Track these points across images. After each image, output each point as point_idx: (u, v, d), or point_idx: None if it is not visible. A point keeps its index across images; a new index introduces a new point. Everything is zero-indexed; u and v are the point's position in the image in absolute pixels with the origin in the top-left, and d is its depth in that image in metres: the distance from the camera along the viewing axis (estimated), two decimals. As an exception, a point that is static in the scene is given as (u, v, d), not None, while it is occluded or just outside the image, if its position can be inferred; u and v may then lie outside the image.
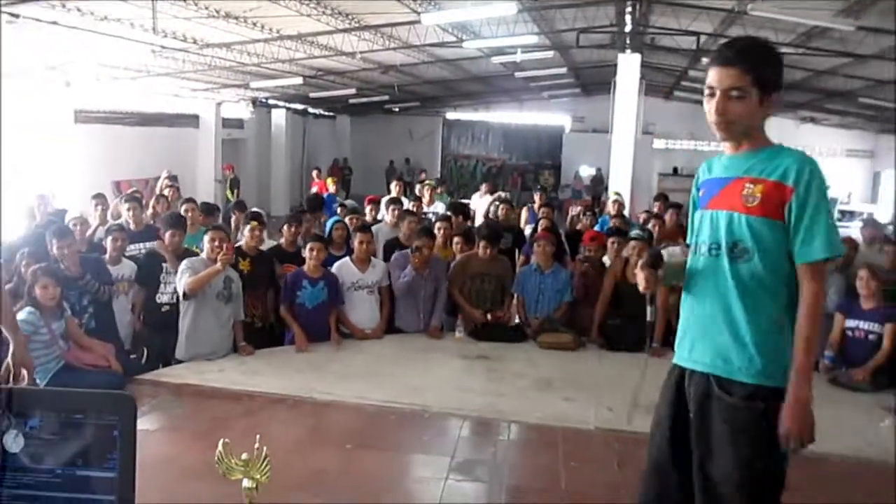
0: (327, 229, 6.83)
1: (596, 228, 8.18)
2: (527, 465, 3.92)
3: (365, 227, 6.25)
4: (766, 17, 9.49)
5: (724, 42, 2.31)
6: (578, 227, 8.33)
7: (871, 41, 9.91)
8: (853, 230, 16.50)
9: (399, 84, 17.57)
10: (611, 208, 8.79)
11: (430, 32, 11.78)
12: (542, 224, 7.55)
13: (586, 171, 24.45)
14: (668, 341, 5.88)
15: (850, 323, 5.52)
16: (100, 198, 7.12)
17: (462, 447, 3.99)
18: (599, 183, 22.35)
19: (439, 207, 9.47)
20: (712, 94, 2.16)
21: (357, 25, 10.83)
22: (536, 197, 9.47)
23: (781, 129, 24.30)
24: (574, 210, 9.59)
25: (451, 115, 25.30)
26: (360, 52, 12.00)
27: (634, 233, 6.26)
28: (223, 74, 14.09)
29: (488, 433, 4.21)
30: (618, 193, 9.61)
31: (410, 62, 14.79)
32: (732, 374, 2.18)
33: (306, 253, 5.72)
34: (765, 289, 2.17)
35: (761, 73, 2.14)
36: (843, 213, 21.79)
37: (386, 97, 19.86)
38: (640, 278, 2.42)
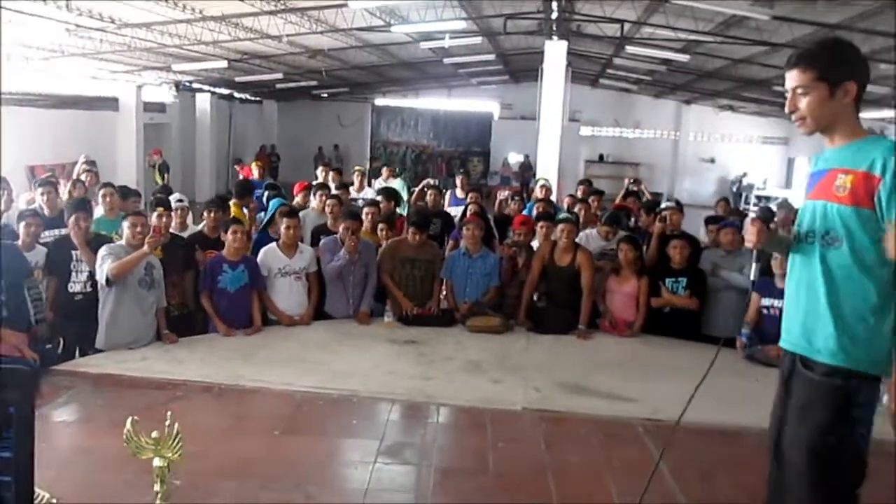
0: (269, 213, 6.76)
1: (524, 213, 8.29)
2: (455, 446, 3.93)
3: (292, 212, 6.15)
4: (686, 5, 9.74)
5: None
6: (507, 211, 8.41)
7: (786, 30, 10.26)
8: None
9: (327, 69, 17.35)
10: (538, 193, 8.88)
11: (358, 16, 11.64)
12: (470, 209, 7.58)
13: (514, 158, 24.69)
14: (594, 324, 6.08)
15: (766, 302, 5.71)
16: (2, 182, 6.79)
17: (390, 431, 3.98)
18: (528, 169, 22.60)
19: (369, 193, 9.43)
20: (792, 95, 2.36)
21: (283, 8, 10.62)
22: (458, 181, 9.47)
23: (702, 117, 25.14)
24: (502, 195, 9.65)
25: (380, 102, 25.07)
26: (287, 36, 11.79)
27: (563, 215, 6.35)
28: (144, 56, 13.62)
29: (417, 416, 4.20)
30: (545, 179, 9.70)
31: (338, 47, 14.61)
32: (813, 353, 2.32)
33: (226, 237, 5.61)
34: (852, 276, 2.27)
35: (823, 68, 2.28)
36: (759, 198, 22.65)
37: (314, 82, 19.59)
38: (750, 232, 2.55)
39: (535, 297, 6.27)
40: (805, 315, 2.35)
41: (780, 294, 5.60)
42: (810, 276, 2.36)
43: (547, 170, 12.38)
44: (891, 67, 11.42)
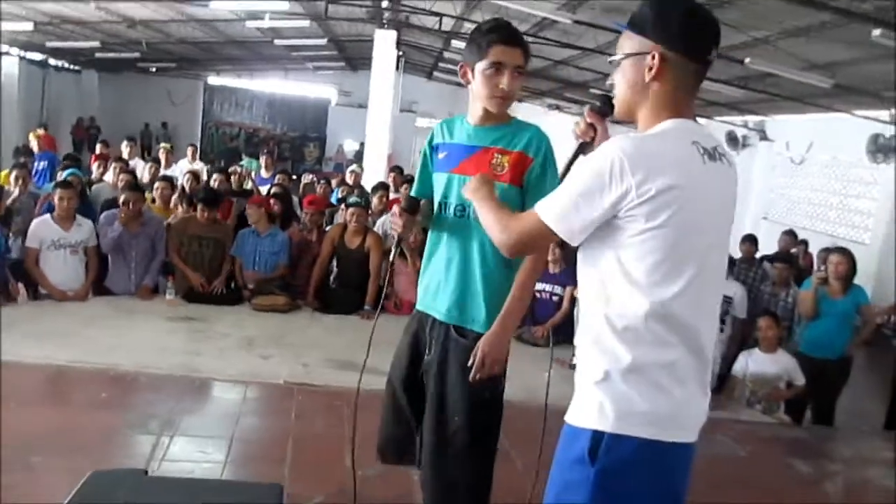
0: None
1: (332, 199, 8.39)
2: (204, 416, 3.98)
3: (66, 184, 5.91)
4: (500, 4, 10.15)
5: (501, 22, 2.40)
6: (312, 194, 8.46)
7: (591, 36, 10.93)
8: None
9: (149, 41, 16.54)
10: (348, 178, 8.99)
11: (174, -13, 11.24)
12: (274, 189, 7.59)
13: (350, 146, 24.66)
14: (381, 305, 6.25)
15: (538, 286, 6.14)
16: None
17: (140, 403, 3.97)
18: (363, 157, 22.64)
19: (175, 171, 9.19)
20: (499, 71, 2.28)
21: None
22: (263, 160, 9.44)
23: (531, 115, 26.00)
24: (306, 178, 9.69)
25: (213, 80, 24.29)
26: (94, 1, 11.15)
27: (352, 199, 6.48)
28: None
29: (172, 390, 4.17)
30: (357, 166, 9.84)
31: (157, 18, 13.99)
32: (466, 322, 2.41)
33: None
34: (498, 252, 2.30)
35: (527, 54, 2.34)
36: (579, 195, 23.89)
37: (137, 54, 18.60)
38: (396, 223, 2.52)
39: (330, 279, 6.39)
40: (459, 287, 2.43)
41: (550, 279, 6.06)
42: (462, 249, 2.42)
43: (376, 158, 12.50)
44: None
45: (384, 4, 12.89)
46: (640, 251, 1.56)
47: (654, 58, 1.62)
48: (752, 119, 15.92)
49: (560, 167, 2.00)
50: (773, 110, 14.65)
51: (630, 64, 1.67)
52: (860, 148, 11.88)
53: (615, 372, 1.58)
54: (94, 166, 8.18)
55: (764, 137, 15.70)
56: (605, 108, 1.90)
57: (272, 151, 10.28)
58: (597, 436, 1.57)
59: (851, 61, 9.39)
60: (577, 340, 1.69)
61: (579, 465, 1.57)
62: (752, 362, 5.00)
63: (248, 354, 4.87)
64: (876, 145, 11.55)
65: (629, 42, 1.68)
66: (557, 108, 24.87)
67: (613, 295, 1.60)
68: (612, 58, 1.73)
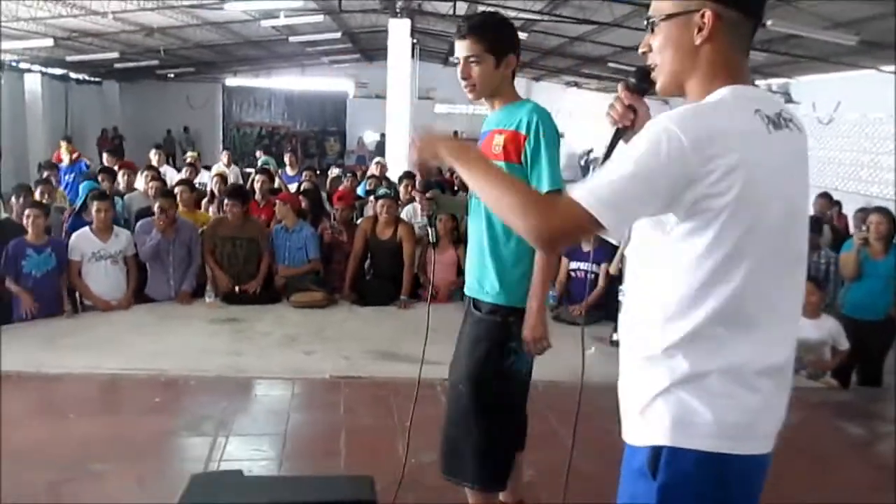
0: (80, 198, 6.56)
1: (360, 191, 8.43)
2: (254, 415, 4.04)
3: (103, 195, 6.00)
4: (514, -15, 10.10)
5: (461, 18, 2.63)
6: (340, 188, 8.50)
7: (608, 9, 10.83)
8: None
9: (166, 48, 16.66)
10: (374, 170, 9.01)
11: (189, -8, 11.31)
12: (303, 185, 7.66)
13: (371, 137, 24.68)
14: (417, 294, 6.30)
15: (573, 265, 6.13)
16: None
17: (192, 406, 4.04)
18: (384, 148, 22.67)
19: (204, 177, 9.29)
20: (460, 64, 2.50)
21: (104, -18, 10.17)
22: (287, 158, 9.45)
23: (550, 93, 25.93)
24: (333, 172, 9.73)
25: (230, 82, 24.41)
26: (112, 13, 11.26)
27: (381, 191, 6.50)
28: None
29: (221, 391, 4.24)
30: (381, 158, 9.87)
31: (174, 24, 14.10)
32: (482, 295, 2.56)
33: (25, 221, 5.43)
34: (505, 226, 2.42)
35: (492, 41, 2.48)
36: (603, 171, 23.71)
37: (155, 62, 18.75)
38: (423, 204, 2.77)
39: (365, 271, 6.44)
40: (476, 262, 2.60)
41: (586, 257, 6.04)
42: (477, 227, 2.59)
43: (398, 148, 12.52)
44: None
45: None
46: (701, 243, 1.35)
47: (704, 16, 1.41)
48: (775, 82, 15.68)
49: (604, 150, 1.81)
50: (797, 72, 14.43)
51: (674, 26, 1.45)
52: (889, 104, 11.65)
53: (673, 383, 1.40)
54: (120, 175, 8.27)
55: (789, 100, 15.43)
56: (642, 83, 1.65)
57: (295, 149, 10.27)
58: (655, 450, 1.42)
59: (877, 16, 9.20)
60: (621, 329, 1.56)
61: (643, 479, 1.44)
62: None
63: (291, 351, 4.93)
64: (906, 100, 11.33)
65: (669, 1, 1.46)
66: (576, 84, 24.71)
67: (668, 295, 1.41)
68: (651, 18, 1.49)
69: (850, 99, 13.33)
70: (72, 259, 5.67)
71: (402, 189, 7.29)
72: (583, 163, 25.04)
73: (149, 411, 3.97)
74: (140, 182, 8.08)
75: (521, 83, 27.45)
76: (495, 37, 2.50)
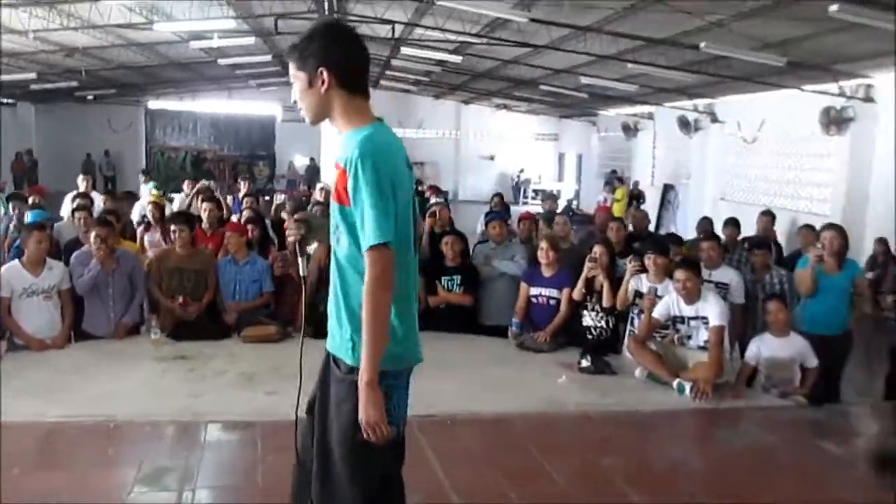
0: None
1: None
2: (222, 465, 3.75)
3: (40, 226, 5.60)
4: (453, 7, 10.06)
5: None
6: (283, 215, 8.21)
7: (545, 32, 10.92)
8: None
9: (88, 69, 16.03)
10: (318, 196, 8.77)
11: (116, 12, 10.85)
12: (245, 214, 7.35)
13: (301, 161, 24.31)
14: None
15: (533, 291, 6.01)
16: None
17: (151, 456, 3.72)
18: (315, 173, 22.32)
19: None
20: None
21: (26, 0, 9.65)
22: (242, 186, 9.14)
23: (480, 116, 26.20)
24: (278, 199, 9.45)
25: (153, 105, 23.67)
26: (34, 31, 10.71)
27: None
28: None
29: (182, 438, 3.95)
30: (325, 183, 9.63)
31: (98, 45, 13.54)
32: (338, 351, 2.25)
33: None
34: (354, 273, 2.19)
35: (298, 58, 2.22)
36: (536, 191, 24.06)
37: (74, 83, 18.01)
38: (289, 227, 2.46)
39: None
40: (334, 316, 2.29)
41: (547, 283, 5.95)
42: (332, 278, 2.30)
43: (331, 171, 12.26)
44: (636, 67, 12.57)
45: (334, 16, 12.69)
46: None
47: None
48: (700, 102, 16.14)
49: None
50: (722, 92, 14.89)
51: None
52: (812, 121, 12.09)
53: None
54: (31, 200, 7.76)
55: (715, 119, 15.92)
56: None
57: (250, 177, 9.67)
58: None
59: (803, 37, 9.54)
60: None
61: None
62: (764, 347, 4.96)
63: (250, 391, 4.64)
64: (828, 118, 11.76)
65: None
66: (506, 107, 24.96)
67: None
68: None
69: (773, 118, 13.78)
70: (1, 296, 5.25)
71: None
72: (514, 183, 25.28)
73: (102, 464, 3.64)
74: (66, 209, 7.66)
75: (450, 106, 27.84)
76: (300, 53, 2.22)
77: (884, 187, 10.74)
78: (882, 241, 9.40)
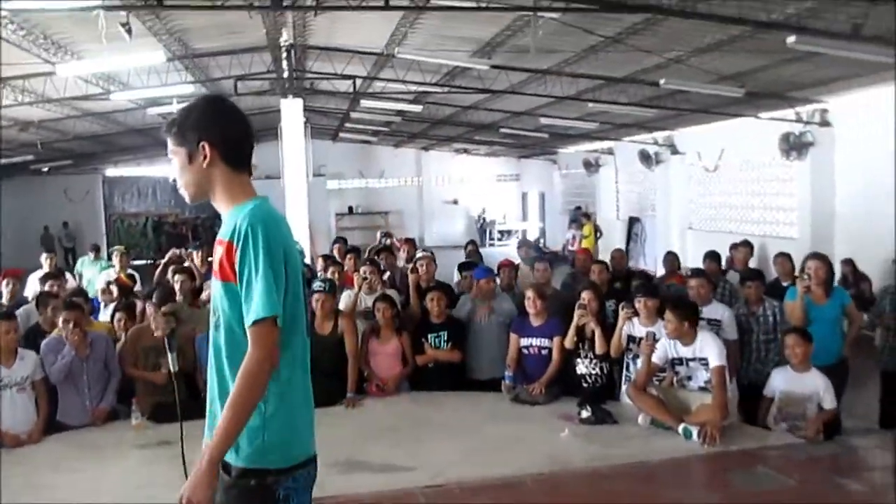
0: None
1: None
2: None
3: (9, 316, 5.35)
4: (412, 59, 10.11)
5: None
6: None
7: (503, 78, 11.02)
8: (511, 248, 18.23)
9: (43, 141, 15.71)
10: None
11: (71, 84, 10.67)
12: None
13: (263, 218, 24.04)
14: (362, 389, 5.90)
15: (525, 341, 5.88)
16: None
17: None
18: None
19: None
20: None
21: (-23, 80, 9.45)
22: (195, 255, 8.55)
23: (440, 161, 26.32)
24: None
25: (111, 172, 23.35)
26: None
27: (316, 284, 6.06)
28: None
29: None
30: (296, 242, 9.44)
31: (53, 117, 13.32)
32: (227, 455, 2.04)
33: None
34: (235, 363, 2.01)
35: (178, 133, 2.14)
36: (501, 232, 24.15)
37: (30, 157, 17.66)
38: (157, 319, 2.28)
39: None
40: (211, 409, 2.11)
41: (536, 332, 5.84)
42: (212, 364, 2.12)
43: (297, 228, 12.10)
44: (597, 106, 12.72)
45: (285, 74, 12.65)
46: None
47: None
48: (660, 135, 16.38)
49: None
50: (680, 124, 15.14)
51: None
52: (772, 148, 12.29)
53: None
54: (3, 285, 7.17)
55: (675, 151, 16.14)
56: None
57: (201, 244, 9.09)
58: None
59: (759, 68, 9.74)
60: None
61: None
62: (782, 380, 4.88)
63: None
64: (788, 143, 11.97)
65: None
66: (465, 151, 25.12)
67: None
68: None
69: (732, 146, 13.99)
70: (-29, 392, 4.98)
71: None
72: (479, 225, 25.34)
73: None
74: (30, 290, 7.35)
75: (410, 154, 27.99)
76: (179, 128, 2.14)
77: (848, 206, 10.94)
78: (848, 262, 9.48)
